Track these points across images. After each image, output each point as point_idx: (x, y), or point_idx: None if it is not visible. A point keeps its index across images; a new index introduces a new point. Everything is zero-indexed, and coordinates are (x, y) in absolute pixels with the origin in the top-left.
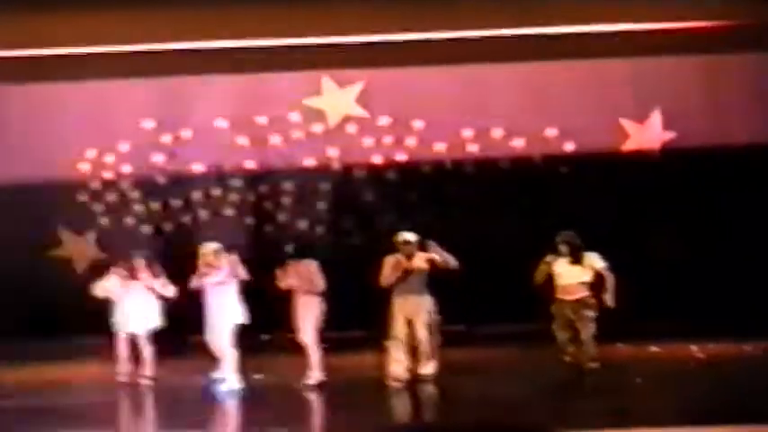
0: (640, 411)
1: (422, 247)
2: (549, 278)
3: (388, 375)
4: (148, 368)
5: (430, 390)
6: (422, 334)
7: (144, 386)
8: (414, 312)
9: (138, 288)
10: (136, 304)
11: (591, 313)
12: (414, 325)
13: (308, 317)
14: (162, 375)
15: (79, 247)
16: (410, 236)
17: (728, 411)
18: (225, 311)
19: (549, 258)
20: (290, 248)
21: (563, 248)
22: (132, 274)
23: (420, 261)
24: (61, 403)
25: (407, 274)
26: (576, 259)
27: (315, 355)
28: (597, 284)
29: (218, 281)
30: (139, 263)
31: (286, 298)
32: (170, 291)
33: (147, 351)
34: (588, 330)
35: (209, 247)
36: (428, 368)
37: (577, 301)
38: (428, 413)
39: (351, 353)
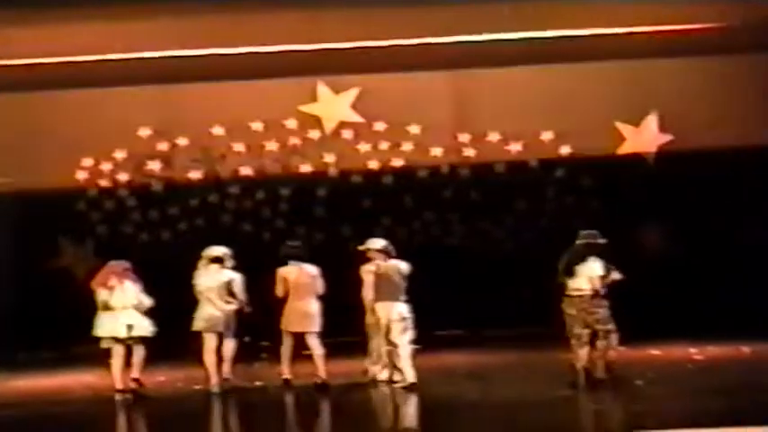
0: (641, 414)
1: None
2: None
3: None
4: (136, 373)
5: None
6: (396, 340)
7: (138, 393)
8: (387, 318)
9: (122, 295)
10: (122, 312)
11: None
12: (390, 331)
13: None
14: (160, 382)
15: (78, 256)
16: (373, 243)
17: (727, 414)
18: None
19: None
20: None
21: (586, 248)
22: (119, 281)
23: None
24: (60, 412)
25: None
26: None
27: (318, 358)
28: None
29: None
30: (121, 270)
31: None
32: (146, 302)
33: (139, 357)
34: (611, 336)
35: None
36: (406, 374)
37: (593, 296)
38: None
39: (346, 358)
